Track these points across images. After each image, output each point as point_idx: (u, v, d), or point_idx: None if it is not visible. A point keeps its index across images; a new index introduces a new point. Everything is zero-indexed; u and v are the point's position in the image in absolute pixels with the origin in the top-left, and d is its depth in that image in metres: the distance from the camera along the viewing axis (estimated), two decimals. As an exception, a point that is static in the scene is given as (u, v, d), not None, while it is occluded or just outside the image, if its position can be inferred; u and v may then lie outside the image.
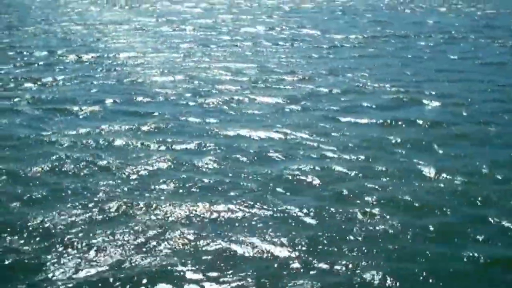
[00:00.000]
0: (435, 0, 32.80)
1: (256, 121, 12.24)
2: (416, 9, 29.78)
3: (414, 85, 15.23)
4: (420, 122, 12.08)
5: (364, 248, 6.91)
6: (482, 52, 19.46)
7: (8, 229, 7.36)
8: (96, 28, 23.01)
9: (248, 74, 16.30)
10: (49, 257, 6.70)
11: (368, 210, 7.92)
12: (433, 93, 14.35)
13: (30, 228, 7.44)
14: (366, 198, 8.30)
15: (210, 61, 17.85)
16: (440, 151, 10.33)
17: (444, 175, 9.15)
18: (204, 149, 10.58)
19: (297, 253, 6.82)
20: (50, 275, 6.34)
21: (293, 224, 7.59)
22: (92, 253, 6.82)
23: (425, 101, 13.76)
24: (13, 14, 26.50)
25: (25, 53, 18.87)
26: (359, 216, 7.76)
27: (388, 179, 9.06)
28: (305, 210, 7.89)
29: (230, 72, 16.46)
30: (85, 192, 8.60)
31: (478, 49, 20.10)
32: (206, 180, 8.99)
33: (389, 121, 12.09)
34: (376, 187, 8.72)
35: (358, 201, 8.24)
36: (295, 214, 7.82)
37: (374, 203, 8.17)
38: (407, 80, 15.87)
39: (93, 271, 6.43)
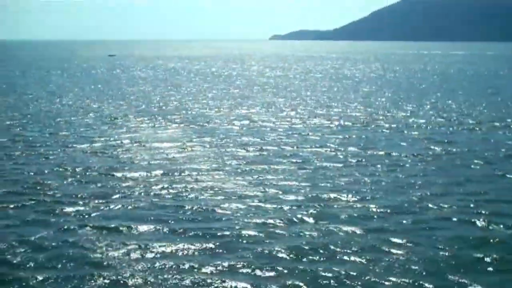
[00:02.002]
0: (483, 116, 32.36)
1: (329, 254, 11.87)
2: (463, 125, 29.29)
3: (473, 210, 14.83)
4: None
5: None
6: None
7: None
8: (150, 147, 23.16)
9: (311, 200, 15.78)
10: None
11: None
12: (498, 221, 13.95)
13: None
14: None
15: (267, 185, 17.31)
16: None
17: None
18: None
19: None
20: None
21: None
22: None
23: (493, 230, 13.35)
24: (69, 130, 27.14)
25: (77, 169, 19.03)
26: None
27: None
28: None
29: (292, 201, 15.77)
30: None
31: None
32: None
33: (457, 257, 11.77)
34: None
35: None
36: None
37: None
38: (464, 202, 15.50)
39: None
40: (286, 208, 14.82)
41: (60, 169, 19.27)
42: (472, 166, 19.96)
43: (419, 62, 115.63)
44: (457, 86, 54.87)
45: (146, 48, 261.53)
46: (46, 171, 19.00)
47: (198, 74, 74.54)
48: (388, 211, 14.64)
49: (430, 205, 15.19)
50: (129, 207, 15.04)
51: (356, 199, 15.64)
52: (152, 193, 16.34)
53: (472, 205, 15.20)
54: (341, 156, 21.44)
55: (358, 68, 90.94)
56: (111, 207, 15.02)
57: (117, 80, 61.05)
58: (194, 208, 14.86)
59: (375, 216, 14.21)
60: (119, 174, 18.54)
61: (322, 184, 17.28)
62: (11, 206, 15.15)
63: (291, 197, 15.88)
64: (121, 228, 13.28)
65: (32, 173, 18.73)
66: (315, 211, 14.57)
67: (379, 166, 19.78)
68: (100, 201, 15.55)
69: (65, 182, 17.58)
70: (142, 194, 16.28)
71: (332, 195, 16.03)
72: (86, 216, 14.24)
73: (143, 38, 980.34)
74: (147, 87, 53.03)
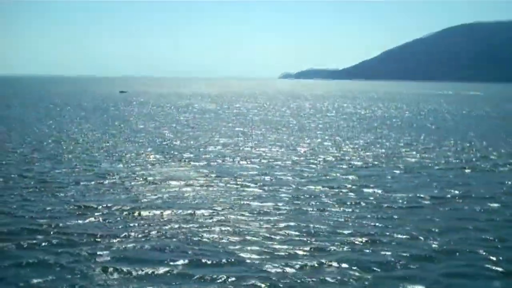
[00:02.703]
0: (499, 157, 31.86)
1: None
2: (489, 167, 28.80)
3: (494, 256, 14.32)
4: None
5: None
6: None
7: None
8: (163, 185, 22.87)
9: (321, 239, 15.54)
10: None
11: None
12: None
13: None
14: None
15: (283, 227, 16.86)
16: None
17: None
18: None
19: None
20: None
21: None
22: None
23: None
24: (81, 166, 26.96)
25: (88, 206, 18.76)
26: None
27: None
28: None
29: (311, 244, 15.37)
30: None
31: None
32: None
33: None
34: None
35: None
36: None
37: None
38: (485, 248, 15.08)
39: None
40: (304, 252, 14.41)
41: (71, 206, 18.97)
42: (490, 210, 19.49)
43: (431, 102, 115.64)
44: (471, 126, 54.51)
45: (157, 85, 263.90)
46: (56, 208, 18.71)
47: (209, 111, 74.72)
48: (408, 256, 14.24)
49: (450, 251, 14.76)
50: (143, 247, 14.65)
51: (375, 244, 15.20)
52: (166, 233, 15.93)
53: (493, 252, 14.73)
54: (356, 198, 21.00)
55: (369, 107, 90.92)
56: (124, 247, 14.64)
57: (129, 117, 61.21)
58: (209, 250, 14.45)
59: (398, 264, 13.75)
60: (132, 213, 18.20)
61: (338, 226, 16.89)
62: (20, 244, 14.82)
63: (310, 240, 15.46)
64: (133, 271, 12.87)
65: (42, 210, 18.43)
66: (333, 256, 14.19)
67: (395, 209, 19.37)
68: (112, 240, 15.19)
69: (76, 220, 17.25)
70: (156, 234, 15.88)
71: (350, 239, 15.59)
72: (98, 257, 13.86)
73: (154, 75, 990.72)
74: (159, 124, 53.07)
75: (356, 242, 15.34)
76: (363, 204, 20.08)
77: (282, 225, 16.94)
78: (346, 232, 16.31)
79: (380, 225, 17.21)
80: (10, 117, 56.96)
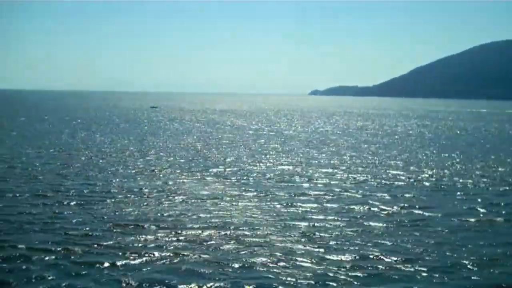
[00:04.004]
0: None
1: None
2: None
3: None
4: None
5: None
6: None
7: None
8: (193, 201, 22.45)
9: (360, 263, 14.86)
10: None
11: None
12: None
13: None
14: None
15: (319, 247, 16.40)
16: None
17: None
18: None
19: None
20: None
21: None
22: None
23: None
24: (110, 181, 26.68)
25: (118, 222, 18.41)
26: None
27: None
28: None
29: (354, 263, 14.90)
30: None
31: None
32: None
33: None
34: None
35: None
36: None
37: None
38: None
39: None
40: (354, 279, 13.76)
41: (105, 224, 18.59)
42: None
43: (466, 119, 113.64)
44: (503, 146, 53.04)
45: (188, 100, 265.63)
46: (85, 222, 18.47)
47: (241, 127, 74.44)
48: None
49: (497, 281, 13.94)
50: (179, 270, 14.09)
51: (427, 271, 14.44)
52: (204, 255, 15.34)
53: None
54: (399, 220, 20.21)
55: (402, 125, 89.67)
56: (159, 269, 14.08)
57: (162, 132, 61.22)
58: (253, 275, 13.84)
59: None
60: (168, 231, 17.71)
61: (386, 251, 16.15)
62: (49, 257, 14.57)
63: (360, 265, 14.84)
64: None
65: (75, 228, 18.10)
66: (363, 274, 13.78)
67: (440, 232, 18.57)
68: (146, 260, 14.69)
69: (109, 237, 16.85)
70: (193, 255, 15.32)
71: (399, 266, 14.87)
72: (132, 278, 13.37)
73: (183, 91, 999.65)
74: (192, 140, 52.81)
75: (406, 269, 14.56)
76: (392, 221, 19.56)
77: (328, 248, 16.28)
78: (394, 258, 15.52)
79: (426, 250, 16.36)
80: (47, 132, 57.45)
